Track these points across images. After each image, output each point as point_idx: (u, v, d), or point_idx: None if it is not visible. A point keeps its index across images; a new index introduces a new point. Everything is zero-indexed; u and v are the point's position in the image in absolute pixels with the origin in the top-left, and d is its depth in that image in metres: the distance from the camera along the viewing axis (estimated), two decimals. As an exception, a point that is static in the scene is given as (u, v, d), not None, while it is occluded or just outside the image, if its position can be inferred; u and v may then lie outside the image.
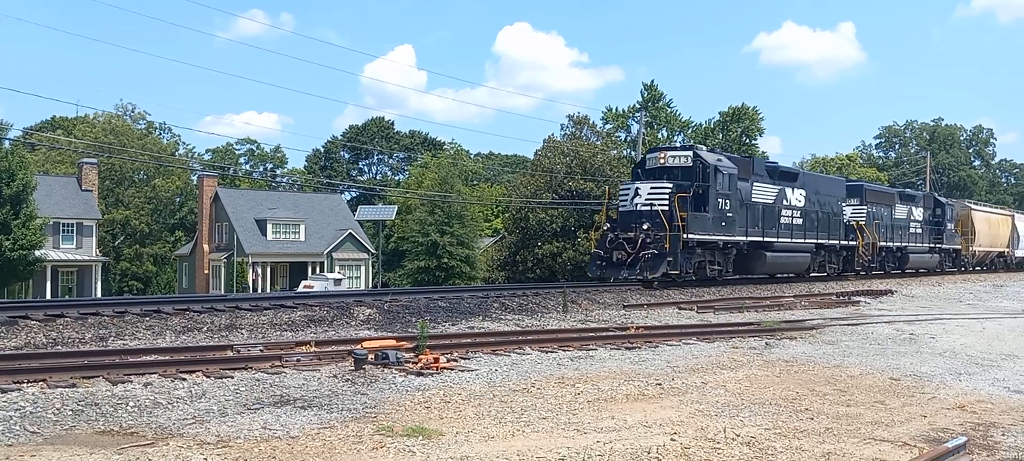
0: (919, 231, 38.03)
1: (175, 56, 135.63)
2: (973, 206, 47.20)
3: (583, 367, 10.56)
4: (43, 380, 8.21)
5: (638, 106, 59.89)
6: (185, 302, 14.70)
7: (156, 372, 8.94)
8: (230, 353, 10.46)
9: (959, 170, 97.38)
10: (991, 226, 47.62)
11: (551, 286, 20.12)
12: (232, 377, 8.96)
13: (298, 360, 10.07)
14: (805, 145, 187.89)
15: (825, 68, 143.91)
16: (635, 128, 51.09)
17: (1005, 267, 49.12)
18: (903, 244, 35.99)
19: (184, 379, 8.73)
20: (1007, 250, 49.39)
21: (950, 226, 41.03)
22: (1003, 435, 7.59)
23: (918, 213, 38.10)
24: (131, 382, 8.44)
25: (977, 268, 46.36)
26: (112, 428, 6.84)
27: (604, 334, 13.72)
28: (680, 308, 19.16)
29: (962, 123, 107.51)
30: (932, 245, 39.16)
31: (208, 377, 8.91)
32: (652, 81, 62.95)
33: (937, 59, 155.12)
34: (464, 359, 10.75)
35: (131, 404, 7.60)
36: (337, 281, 42.31)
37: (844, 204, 31.72)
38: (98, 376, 8.61)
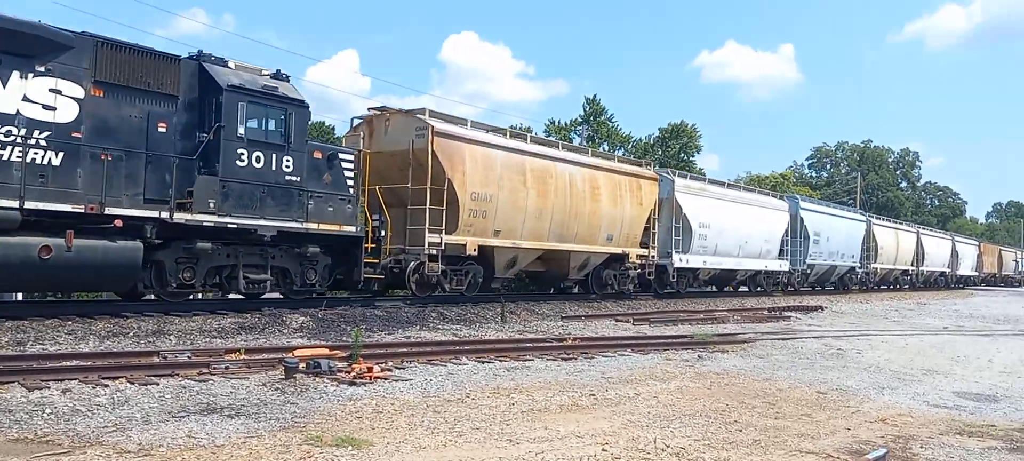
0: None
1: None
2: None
3: (519, 378, 10.56)
4: (-47, 385, 7.84)
5: (580, 119, 60.44)
6: (112, 306, 14.23)
7: (76, 378, 8.62)
8: (156, 359, 10.16)
9: (887, 191, 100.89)
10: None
11: (490, 296, 20.11)
12: (157, 384, 8.69)
13: (227, 368, 9.82)
14: (742, 163, 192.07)
15: (764, 88, 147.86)
16: (577, 141, 51.48)
17: (910, 285, 48.13)
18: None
19: (106, 385, 8.44)
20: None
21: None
22: (921, 448, 7.84)
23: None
24: (49, 388, 8.12)
25: (880, 286, 44.93)
26: (26, 435, 6.56)
27: (541, 345, 13.75)
28: (617, 320, 19.34)
29: (891, 146, 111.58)
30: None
31: (132, 384, 8.62)
32: (594, 95, 63.50)
33: (869, 82, 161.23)
34: (399, 369, 10.64)
35: (48, 411, 7.31)
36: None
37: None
38: (13, 381, 8.26)
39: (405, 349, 12.29)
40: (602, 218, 22.55)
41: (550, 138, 23.28)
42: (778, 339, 16.78)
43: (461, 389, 9.55)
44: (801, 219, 34.18)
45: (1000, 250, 77.03)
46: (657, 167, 28.62)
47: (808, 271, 35.20)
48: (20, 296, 16.14)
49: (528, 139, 21.85)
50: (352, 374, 9.81)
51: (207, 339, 12.35)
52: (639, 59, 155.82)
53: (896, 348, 16.56)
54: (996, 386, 12.17)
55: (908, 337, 19.01)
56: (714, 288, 31.96)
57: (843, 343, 16.74)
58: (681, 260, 26.35)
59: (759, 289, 32.09)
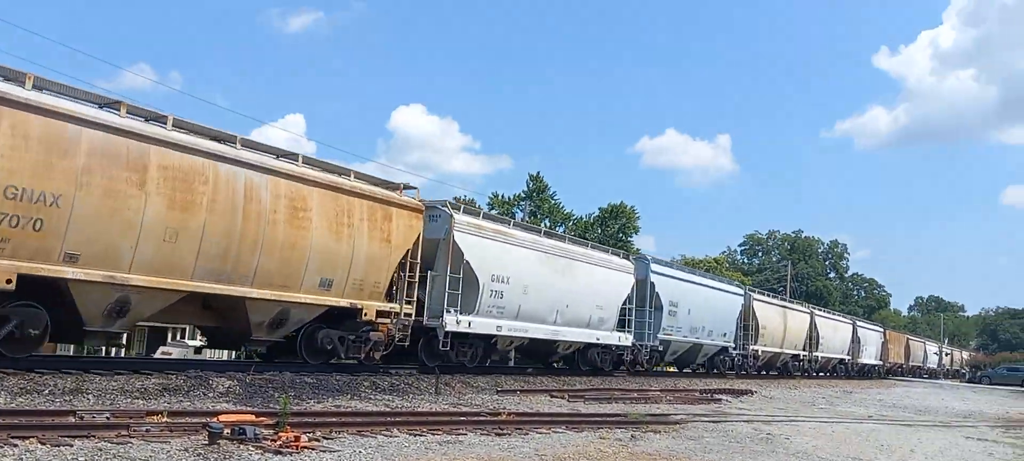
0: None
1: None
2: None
3: (451, 452, 10.37)
4: None
5: (523, 195, 61.09)
6: (28, 361, 13.58)
7: (-17, 436, 8.16)
8: (72, 419, 9.69)
9: (816, 280, 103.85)
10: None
11: (426, 367, 19.82)
12: (71, 445, 8.28)
13: (148, 430, 9.42)
14: (677, 246, 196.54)
15: (701, 174, 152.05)
16: (519, 216, 51.92)
17: (802, 372, 43.64)
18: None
19: (15, 445, 8.00)
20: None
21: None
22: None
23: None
24: (-48, 446, 7.66)
25: (762, 372, 40.17)
26: (-77, 497, 6.15)
27: (475, 419, 13.56)
28: (552, 396, 19.25)
29: (821, 236, 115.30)
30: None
31: (43, 444, 8.19)
32: (538, 172, 64.39)
33: (802, 175, 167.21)
34: (327, 439, 10.36)
35: (-51, 471, 6.88)
36: (198, 349, 40.25)
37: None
38: (-87, 438, 7.77)
39: (335, 418, 11.98)
40: (310, 253, 15.95)
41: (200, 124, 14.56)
42: (710, 421, 16.89)
43: (391, 462, 9.33)
44: (652, 284, 28.59)
45: (908, 338, 72.56)
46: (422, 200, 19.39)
47: (661, 348, 29.65)
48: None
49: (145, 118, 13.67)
50: (278, 443, 9.50)
51: (128, 400, 11.86)
52: (583, 140, 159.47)
53: (824, 434, 16.83)
54: (918, 476, 12.41)
55: (835, 425, 19.36)
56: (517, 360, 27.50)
57: (772, 428, 16.95)
58: (458, 322, 20.01)
59: (587, 369, 26.42)
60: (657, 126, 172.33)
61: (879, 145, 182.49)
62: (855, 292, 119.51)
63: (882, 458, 14.19)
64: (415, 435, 11.40)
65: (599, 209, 64.68)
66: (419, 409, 14.72)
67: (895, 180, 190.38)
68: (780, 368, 42.29)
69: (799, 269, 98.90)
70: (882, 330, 61.65)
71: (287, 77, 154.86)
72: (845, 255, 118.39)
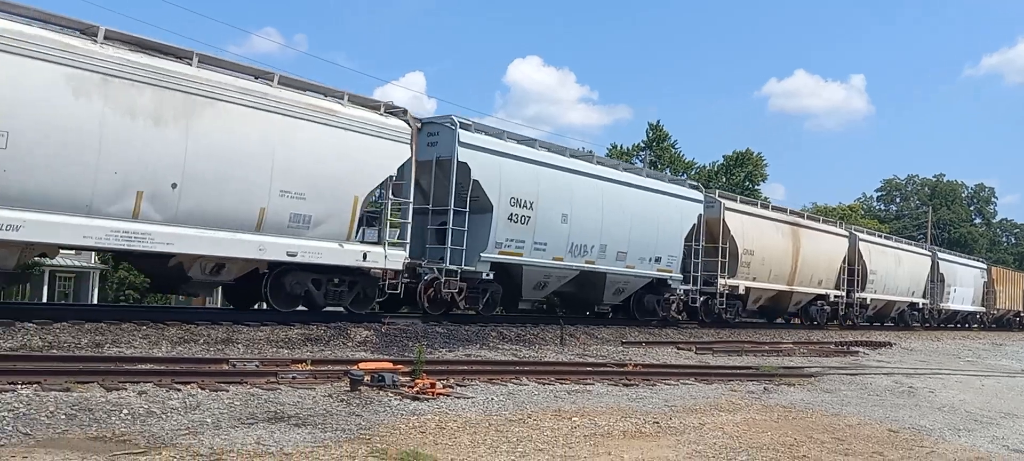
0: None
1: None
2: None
3: (580, 401, 10.48)
4: (37, 383, 8.14)
5: (643, 145, 60.13)
6: (183, 313, 14.62)
7: (151, 381, 8.87)
8: (226, 366, 10.39)
9: (960, 227, 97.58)
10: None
11: (549, 318, 20.03)
12: (227, 390, 8.89)
13: (294, 377, 9.99)
14: (808, 193, 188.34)
15: (833, 118, 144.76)
16: (639, 165, 51.21)
17: (923, 324, 37.60)
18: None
19: (178, 390, 8.66)
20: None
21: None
22: (1003, 493, 7.51)
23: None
24: (125, 389, 8.37)
25: (873, 323, 34.70)
26: (105, 434, 6.77)
27: (602, 370, 13.63)
28: (678, 348, 19.07)
29: (964, 180, 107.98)
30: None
31: (203, 389, 8.84)
32: (658, 121, 63.14)
33: (943, 116, 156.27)
34: (460, 386, 10.67)
35: (125, 411, 7.53)
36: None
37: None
38: (93, 382, 8.54)
39: (466, 367, 12.32)
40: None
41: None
42: (846, 374, 16.30)
43: (522, 410, 9.53)
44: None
45: None
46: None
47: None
48: (95, 299, 16.68)
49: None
50: (415, 389, 9.88)
51: (274, 349, 12.59)
52: (705, 86, 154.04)
53: (972, 389, 15.93)
54: (1081, 433, 11.59)
55: (984, 378, 18.28)
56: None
57: (914, 381, 16.19)
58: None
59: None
60: (785, 67, 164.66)
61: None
62: (1004, 238, 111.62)
63: (1039, 414, 13.31)
64: (544, 384, 11.58)
65: (724, 157, 62.94)
66: (545, 359, 14.92)
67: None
68: (895, 319, 37.06)
69: (940, 215, 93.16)
70: (985, 267, 48.05)
71: (406, 35, 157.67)
72: (992, 199, 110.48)
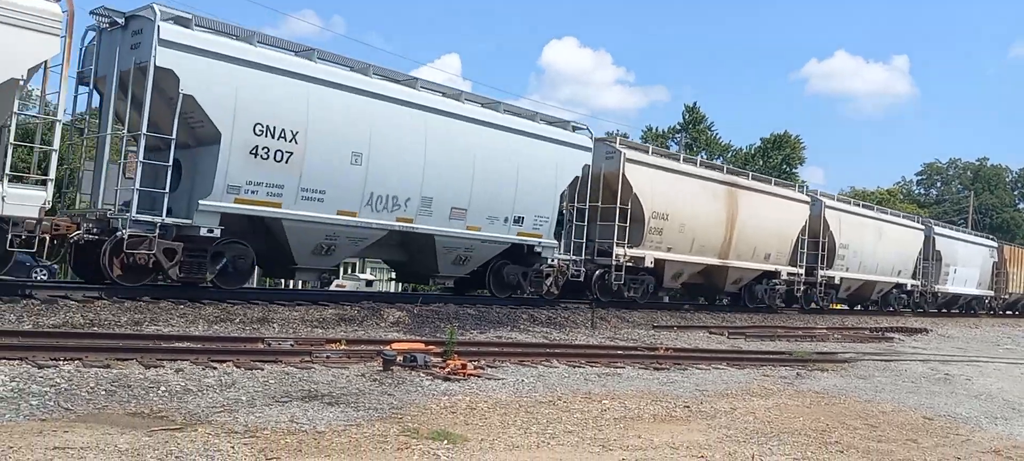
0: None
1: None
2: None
3: (610, 384, 10.49)
4: (79, 359, 8.35)
5: (679, 127, 59.59)
6: (218, 292, 14.84)
7: (188, 359, 9.06)
8: (261, 345, 10.57)
9: (1003, 211, 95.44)
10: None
11: (579, 301, 20.01)
12: (262, 369, 9.05)
13: (328, 357, 10.14)
14: (847, 177, 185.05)
15: (874, 100, 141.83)
16: (674, 149, 50.81)
17: (914, 309, 32.95)
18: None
19: (215, 368, 8.83)
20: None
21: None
22: (1040, 483, 7.40)
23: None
24: (163, 367, 8.56)
25: (851, 307, 31.50)
26: (143, 410, 6.94)
27: (632, 353, 13.61)
28: (710, 332, 18.99)
29: (1008, 164, 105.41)
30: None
31: (238, 367, 9.00)
32: (694, 103, 62.39)
33: (988, 97, 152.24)
34: (491, 367, 10.74)
35: (162, 388, 7.71)
36: (368, 283, 42.64)
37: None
38: (132, 359, 8.74)
39: (497, 349, 12.39)
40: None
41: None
42: (881, 360, 16.11)
43: (553, 392, 9.57)
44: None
45: None
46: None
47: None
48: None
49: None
50: (447, 370, 9.96)
51: (309, 329, 12.77)
52: (743, 67, 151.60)
53: (1010, 377, 15.66)
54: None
55: (1023, 366, 17.96)
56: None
57: (951, 368, 15.94)
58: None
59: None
60: (826, 48, 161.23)
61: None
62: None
63: (1080, 403, 13.03)
64: (574, 366, 11.61)
65: (761, 140, 62.13)
66: (576, 342, 14.94)
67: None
68: (878, 302, 31.92)
69: (983, 200, 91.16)
70: (995, 245, 41.00)
71: (443, 17, 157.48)
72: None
